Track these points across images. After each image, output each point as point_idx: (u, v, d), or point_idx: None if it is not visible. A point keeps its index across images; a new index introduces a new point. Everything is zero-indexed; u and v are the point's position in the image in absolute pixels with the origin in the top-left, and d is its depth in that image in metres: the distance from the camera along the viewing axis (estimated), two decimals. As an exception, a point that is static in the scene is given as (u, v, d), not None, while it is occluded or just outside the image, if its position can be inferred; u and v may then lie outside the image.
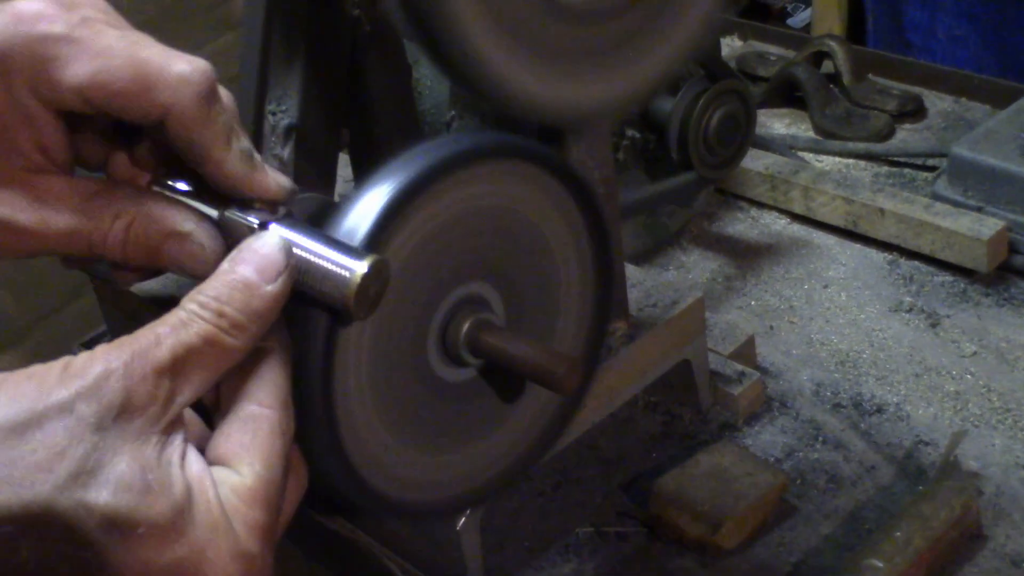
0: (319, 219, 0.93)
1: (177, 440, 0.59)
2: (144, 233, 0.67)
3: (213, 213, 0.70)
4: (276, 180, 0.70)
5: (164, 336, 0.59)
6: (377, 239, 0.73)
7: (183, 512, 0.57)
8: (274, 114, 1.04)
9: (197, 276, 0.66)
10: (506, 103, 0.81)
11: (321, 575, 1.20)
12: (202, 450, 0.62)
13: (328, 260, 0.65)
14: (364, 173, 1.11)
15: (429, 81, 1.17)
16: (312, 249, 0.67)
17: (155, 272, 0.74)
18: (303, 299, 0.67)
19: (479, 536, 1.01)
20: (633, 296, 1.13)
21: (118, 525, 0.55)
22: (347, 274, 0.64)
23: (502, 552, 1.09)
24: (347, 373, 0.75)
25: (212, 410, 0.65)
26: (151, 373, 0.57)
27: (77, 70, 0.65)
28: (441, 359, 0.81)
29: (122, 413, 0.56)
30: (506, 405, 0.87)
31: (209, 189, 0.71)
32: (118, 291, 1.17)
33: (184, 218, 0.68)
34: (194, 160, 0.68)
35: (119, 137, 0.72)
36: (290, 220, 0.70)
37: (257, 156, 0.70)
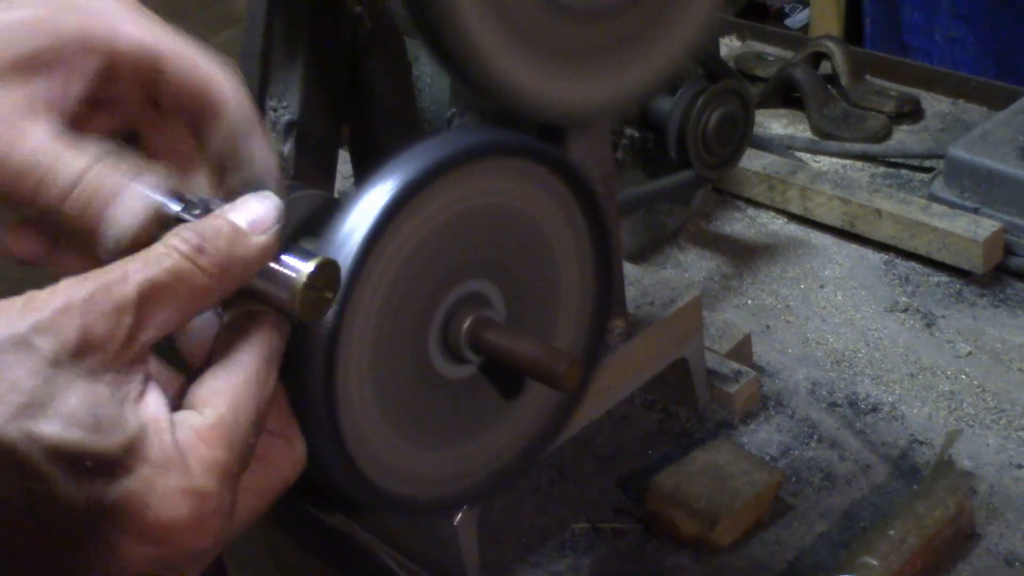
0: (319, 216, 0.94)
1: (136, 378, 0.58)
2: (96, 186, 0.63)
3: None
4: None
5: (133, 272, 0.57)
6: (379, 237, 0.73)
7: (133, 448, 0.56)
8: (275, 110, 1.04)
9: (115, 239, 0.63)
10: (507, 101, 0.81)
11: (316, 568, 1.21)
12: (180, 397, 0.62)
13: (278, 263, 0.63)
14: (364, 170, 1.12)
15: (429, 78, 1.18)
16: None
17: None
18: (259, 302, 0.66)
19: (476, 531, 1.01)
20: (631, 294, 1.13)
21: (65, 457, 0.54)
22: (293, 275, 0.63)
23: (499, 547, 1.09)
24: (348, 368, 0.76)
25: (197, 369, 0.64)
26: (111, 309, 0.56)
27: (149, 32, 0.66)
28: (442, 356, 0.82)
29: (79, 349, 0.55)
30: (506, 402, 0.88)
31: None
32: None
33: (136, 187, 0.64)
34: (235, 159, 0.69)
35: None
36: None
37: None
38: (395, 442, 0.81)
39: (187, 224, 0.60)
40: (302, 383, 0.73)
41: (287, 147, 1.04)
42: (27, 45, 0.64)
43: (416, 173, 0.75)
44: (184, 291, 0.59)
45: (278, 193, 0.67)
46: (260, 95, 0.98)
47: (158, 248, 0.59)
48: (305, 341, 0.71)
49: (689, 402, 1.22)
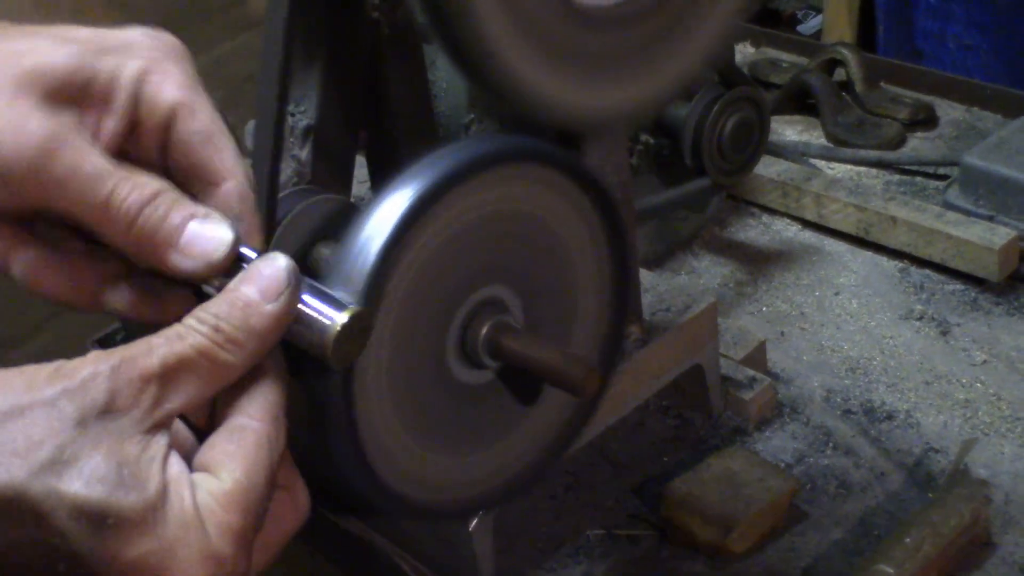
0: (337, 220, 0.94)
1: (162, 441, 0.60)
2: (168, 207, 0.66)
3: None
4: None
5: (157, 345, 0.60)
6: (398, 243, 0.73)
7: (155, 508, 0.58)
8: (293, 115, 1.04)
9: (200, 269, 0.66)
10: (527, 107, 0.81)
11: (328, 572, 1.21)
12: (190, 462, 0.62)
13: (310, 308, 0.65)
14: (380, 175, 1.12)
15: (445, 83, 1.18)
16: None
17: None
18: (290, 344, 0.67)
19: (491, 537, 1.01)
20: (646, 300, 1.13)
21: (88, 515, 0.56)
22: (327, 322, 0.64)
23: (513, 553, 1.10)
24: (367, 373, 0.76)
25: (207, 430, 0.65)
26: (137, 378, 0.58)
27: (182, 91, 0.68)
28: (460, 361, 0.82)
29: (105, 412, 0.57)
30: (523, 408, 0.88)
31: None
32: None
33: (214, 211, 0.68)
34: None
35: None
36: None
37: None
38: (412, 447, 0.82)
39: (204, 305, 0.62)
40: (321, 387, 0.73)
41: (305, 152, 1.04)
42: (76, 72, 0.66)
43: (435, 179, 0.76)
44: (207, 365, 0.61)
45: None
46: (280, 100, 0.98)
47: (179, 328, 0.61)
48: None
49: (704, 408, 1.22)
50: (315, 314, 0.64)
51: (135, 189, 0.65)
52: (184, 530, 0.58)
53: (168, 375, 0.60)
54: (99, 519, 0.56)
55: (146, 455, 0.58)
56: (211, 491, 0.60)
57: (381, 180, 1.12)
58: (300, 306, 0.64)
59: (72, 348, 1.49)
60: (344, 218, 0.97)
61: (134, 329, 1.28)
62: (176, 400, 0.60)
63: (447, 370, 0.82)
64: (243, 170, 0.69)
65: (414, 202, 0.74)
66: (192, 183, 0.69)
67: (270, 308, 0.62)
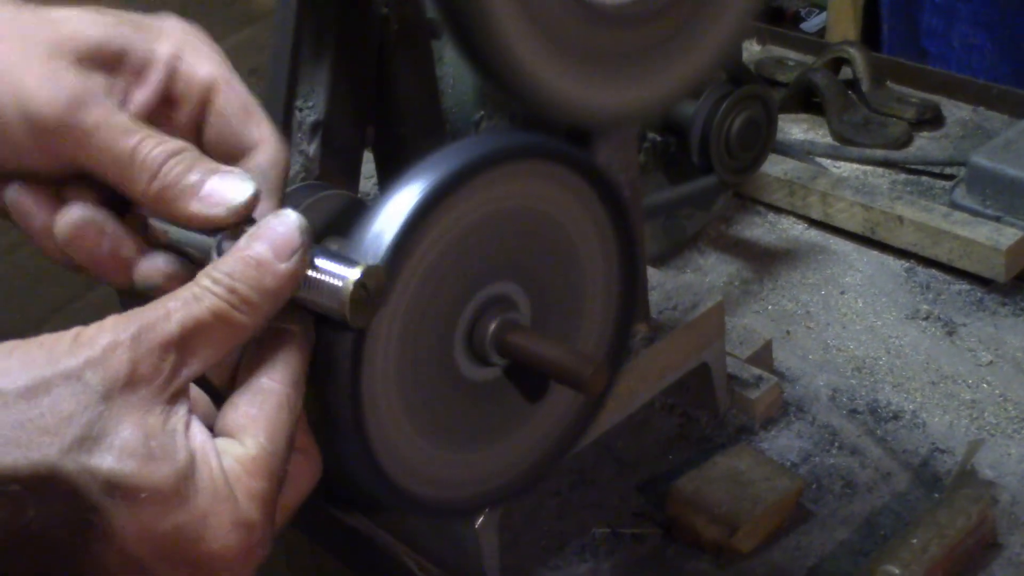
0: (346, 216, 0.94)
1: (182, 410, 0.60)
2: (191, 161, 0.66)
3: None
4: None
5: (174, 310, 0.59)
6: (407, 240, 0.73)
7: (186, 479, 0.58)
8: (301, 110, 1.04)
9: (221, 217, 0.66)
10: (538, 104, 0.81)
11: (331, 568, 1.20)
12: (209, 427, 0.62)
13: (322, 271, 0.65)
14: (388, 171, 1.12)
15: (452, 79, 1.18)
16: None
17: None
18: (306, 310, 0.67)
19: (497, 535, 1.01)
20: (653, 299, 1.13)
21: (121, 489, 0.56)
22: (340, 283, 0.64)
23: (519, 551, 1.09)
24: (375, 369, 0.76)
25: (226, 391, 0.66)
26: (158, 346, 0.58)
27: (216, 68, 0.69)
28: (467, 358, 0.82)
29: (128, 383, 0.57)
30: (530, 405, 0.88)
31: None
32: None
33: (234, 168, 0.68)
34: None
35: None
36: None
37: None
38: (419, 443, 0.81)
39: (216, 263, 0.62)
40: (329, 383, 0.73)
41: (312, 147, 1.04)
42: (109, 42, 0.66)
43: (445, 176, 0.75)
44: (222, 328, 0.61)
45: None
46: (288, 95, 0.98)
47: (194, 288, 0.61)
48: (332, 340, 0.71)
49: (710, 407, 1.21)
50: (328, 277, 0.64)
51: (160, 144, 0.65)
52: (215, 499, 0.58)
53: (186, 340, 0.59)
54: (132, 493, 0.56)
55: (170, 424, 0.58)
56: (237, 457, 0.60)
57: (388, 176, 1.12)
58: (313, 272, 0.64)
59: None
60: (352, 213, 0.96)
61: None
62: (194, 365, 0.60)
63: (454, 367, 0.82)
64: (279, 140, 0.70)
65: (424, 198, 0.74)
66: (229, 156, 0.69)
67: (284, 267, 0.62)
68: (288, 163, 0.71)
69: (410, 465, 0.81)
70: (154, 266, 0.68)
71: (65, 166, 0.66)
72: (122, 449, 0.56)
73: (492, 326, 0.81)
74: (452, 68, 1.16)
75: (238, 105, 0.69)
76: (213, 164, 0.66)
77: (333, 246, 0.92)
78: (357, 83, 1.04)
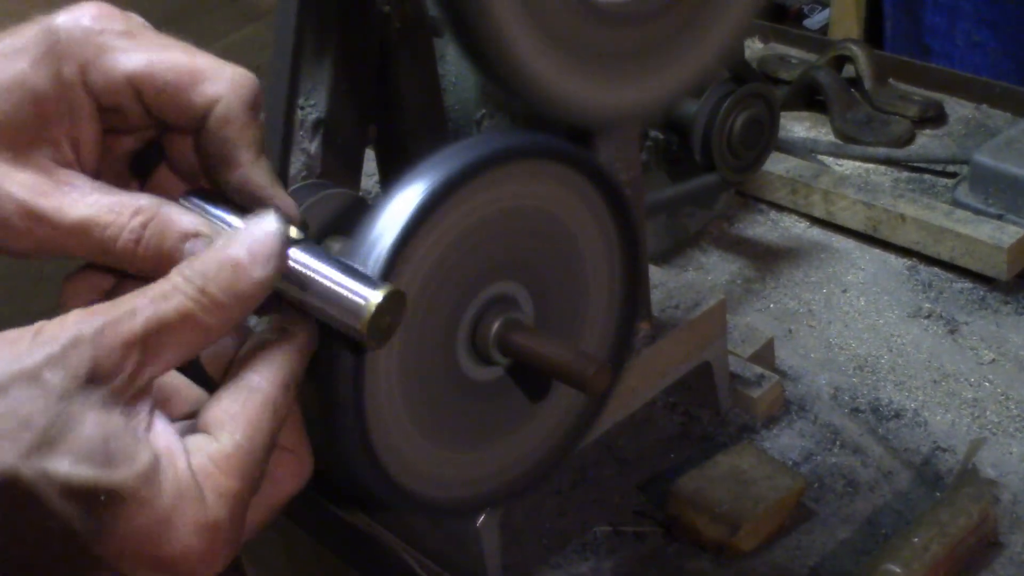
0: (348, 215, 0.94)
1: (144, 410, 0.58)
2: (161, 232, 0.65)
3: (235, 223, 0.68)
4: (290, 200, 0.70)
5: (140, 308, 0.58)
6: (409, 240, 0.73)
7: (148, 480, 0.57)
8: (303, 108, 1.04)
9: None
10: (540, 103, 0.81)
11: (332, 565, 1.21)
12: (191, 415, 0.62)
13: (343, 287, 0.64)
14: (390, 169, 1.12)
15: (454, 77, 1.18)
16: (328, 275, 0.65)
17: None
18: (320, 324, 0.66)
19: (498, 533, 1.01)
20: (655, 297, 1.13)
21: (79, 494, 0.55)
22: (361, 302, 0.63)
23: (520, 549, 1.09)
24: (377, 369, 0.76)
25: (220, 384, 0.64)
26: (120, 344, 0.57)
27: (132, 58, 0.65)
28: (470, 357, 0.82)
29: (88, 382, 0.56)
30: (532, 404, 0.88)
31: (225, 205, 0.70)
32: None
33: (203, 223, 0.66)
34: (223, 162, 0.67)
35: (137, 165, 0.72)
36: (308, 244, 0.67)
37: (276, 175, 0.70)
38: (421, 443, 0.81)
39: (190, 261, 0.61)
40: (332, 381, 0.73)
41: (314, 145, 1.04)
42: (29, 111, 0.65)
43: (447, 175, 0.75)
44: (187, 330, 0.59)
45: (280, 206, 0.67)
46: (290, 93, 0.97)
47: (164, 285, 0.59)
48: (335, 340, 0.71)
49: (711, 406, 1.21)
50: (347, 293, 0.63)
51: (125, 226, 0.64)
52: (179, 499, 0.57)
53: (150, 339, 0.58)
54: (91, 497, 0.55)
55: (131, 424, 0.57)
56: (210, 454, 0.59)
57: (390, 174, 1.12)
58: (331, 285, 0.64)
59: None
60: (353, 212, 0.97)
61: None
62: (158, 364, 0.59)
63: (457, 366, 0.82)
64: (231, 79, 0.67)
65: (427, 197, 0.74)
66: (196, 120, 0.67)
67: (259, 274, 0.61)
68: (251, 89, 0.67)
69: (412, 464, 0.81)
70: None
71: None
72: (79, 452, 0.55)
73: (495, 325, 0.81)
74: (454, 66, 1.16)
75: (168, 80, 0.66)
76: (179, 226, 0.65)
77: (335, 245, 0.92)
78: (359, 81, 1.04)
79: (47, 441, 0.55)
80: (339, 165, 1.06)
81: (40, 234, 0.64)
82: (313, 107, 1.04)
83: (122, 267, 0.65)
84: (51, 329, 0.56)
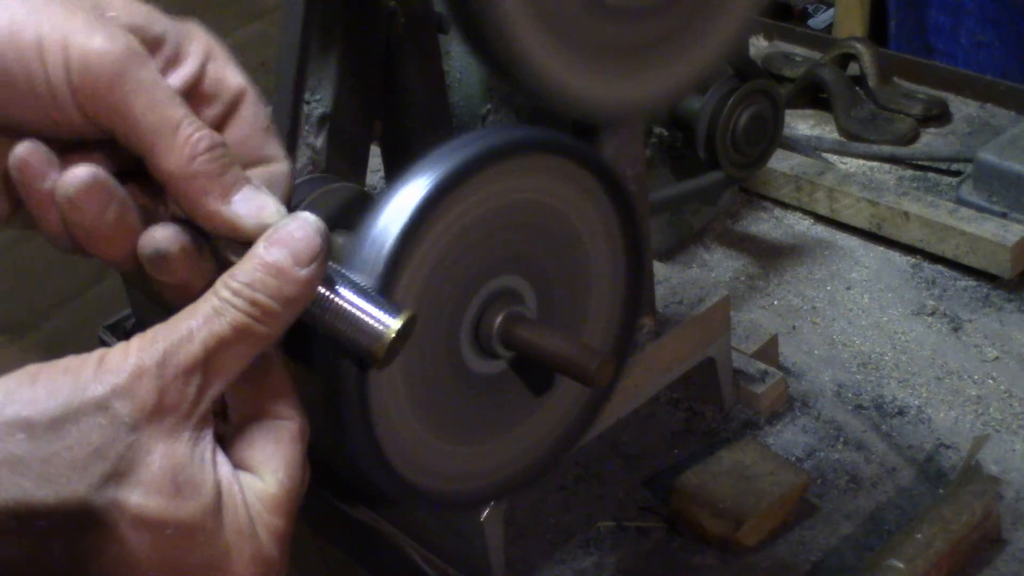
0: (353, 210, 0.94)
1: (208, 437, 0.60)
2: (229, 160, 0.63)
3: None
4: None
5: (196, 330, 0.59)
6: (413, 234, 0.73)
7: (212, 514, 0.58)
8: (308, 103, 1.04)
9: (243, 230, 0.63)
10: (545, 98, 0.81)
11: (336, 560, 1.21)
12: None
13: (363, 311, 0.64)
14: (395, 164, 1.12)
15: (459, 73, 1.18)
16: (346, 297, 0.64)
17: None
18: (327, 339, 0.66)
19: (502, 528, 1.02)
20: (659, 293, 1.13)
21: (148, 525, 0.56)
22: (381, 328, 0.63)
23: (524, 544, 1.10)
24: (381, 362, 0.76)
25: (216, 414, 0.65)
26: (183, 371, 0.58)
27: (241, 78, 0.68)
28: (473, 351, 0.82)
29: (155, 412, 0.57)
30: (535, 398, 0.88)
31: None
32: (146, 275, 1.17)
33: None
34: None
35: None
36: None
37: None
38: (425, 436, 0.82)
39: (233, 272, 0.60)
40: (336, 376, 0.73)
41: (320, 140, 1.04)
42: (151, 24, 0.64)
43: (452, 169, 0.75)
44: (243, 343, 0.60)
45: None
46: (296, 88, 0.98)
47: (213, 302, 0.60)
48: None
49: (715, 402, 1.22)
50: (367, 317, 0.63)
51: (203, 128, 0.62)
52: (239, 536, 0.59)
53: (210, 360, 0.59)
54: (159, 529, 0.56)
55: (196, 454, 0.58)
56: (258, 494, 0.61)
57: (395, 169, 1.12)
58: (348, 305, 0.64)
59: (82, 333, 1.50)
60: (358, 207, 0.97)
61: (143, 314, 1.28)
62: (218, 385, 0.60)
63: (461, 360, 0.82)
64: (289, 162, 0.69)
65: (431, 191, 0.74)
66: (242, 166, 0.67)
67: (304, 273, 0.61)
68: (292, 185, 0.69)
69: (416, 458, 0.81)
70: (167, 234, 0.63)
71: (88, 126, 0.62)
72: (150, 484, 0.56)
73: (498, 319, 0.82)
74: (459, 62, 1.17)
75: (262, 119, 0.68)
76: (245, 174, 0.64)
77: (340, 239, 0.93)
78: (364, 77, 1.05)
79: (119, 472, 0.56)
80: (344, 160, 1.06)
81: (128, 89, 0.61)
82: (319, 102, 1.04)
83: (170, 160, 0.62)
84: (114, 358, 0.57)
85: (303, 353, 0.70)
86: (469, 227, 0.78)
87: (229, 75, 0.67)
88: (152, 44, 0.64)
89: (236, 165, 0.63)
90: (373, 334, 0.63)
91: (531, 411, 0.89)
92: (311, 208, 0.94)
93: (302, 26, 0.96)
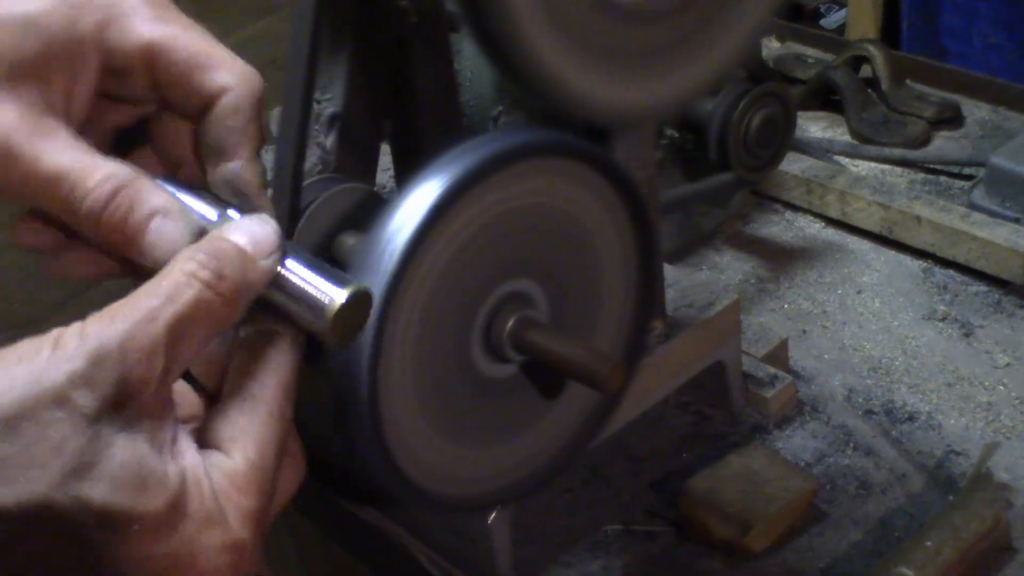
0: (363, 210, 0.94)
1: (169, 423, 0.57)
2: (130, 203, 0.62)
3: (209, 215, 0.66)
4: (271, 206, 0.69)
5: (158, 309, 0.56)
6: (426, 236, 0.73)
7: (177, 505, 0.56)
8: (319, 102, 1.04)
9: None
10: (557, 100, 0.81)
11: (342, 561, 1.20)
12: (197, 429, 0.61)
13: (309, 284, 0.61)
14: (405, 164, 1.12)
15: (470, 72, 1.17)
16: (296, 272, 0.62)
17: (129, 274, 0.70)
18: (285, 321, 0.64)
19: (509, 530, 1.01)
20: (669, 296, 1.13)
21: (113, 521, 0.54)
22: (326, 300, 0.60)
23: (531, 547, 1.09)
24: (392, 365, 0.76)
25: (213, 392, 0.63)
26: (146, 355, 0.55)
27: (154, 28, 0.65)
28: (484, 354, 0.82)
29: (117, 400, 0.54)
30: (546, 402, 0.88)
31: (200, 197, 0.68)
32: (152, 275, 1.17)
33: (175, 204, 0.64)
34: (219, 152, 0.66)
35: (119, 141, 0.71)
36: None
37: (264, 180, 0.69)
38: (434, 439, 0.81)
39: (198, 246, 0.59)
40: (346, 378, 0.73)
41: (330, 140, 1.04)
42: (33, 47, 0.63)
43: (463, 172, 0.75)
44: (207, 321, 0.58)
45: (262, 209, 0.66)
46: (307, 87, 0.97)
47: (177, 276, 0.57)
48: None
49: (724, 405, 1.21)
50: (313, 290, 0.61)
51: (94, 188, 0.61)
52: (206, 523, 0.57)
53: (173, 343, 0.56)
54: (125, 524, 0.54)
55: (156, 442, 0.56)
56: (226, 473, 0.58)
57: (405, 169, 1.12)
58: (298, 280, 0.61)
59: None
60: (368, 207, 0.96)
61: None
62: (180, 365, 0.57)
63: (471, 363, 0.82)
64: (241, 76, 0.66)
65: (443, 194, 0.74)
66: (199, 109, 0.66)
67: (264, 263, 0.60)
68: (259, 88, 0.66)
69: (425, 460, 0.81)
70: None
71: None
72: (113, 479, 0.54)
73: (509, 323, 0.81)
74: (470, 62, 1.16)
75: (184, 58, 0.65)
76: (152, 201, 0.62)
77: (350, 240, 0.92)
78: (375, 76, 1.04)
79: (81, 467, 0.53)
80: (354, 160, 1.06)
81: (12, 176, 0.62)
82: (329, 101, 1.04)
83: (82, 230, 0.63)
84: (70, 341, 0.54)
85: (313, 355, 0.70)
86: (481, 230, 0.78)
87: (130, 35, 0.65)
88: (40, 68, 0.63)
89: (140, 197, 0.62)
90: (318, 309, 0.60)
91: (541, 415, 0.88)
92: (321, 209, 0.94)
93: (312, 25, 0.95)
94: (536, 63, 0.77)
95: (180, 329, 0.56)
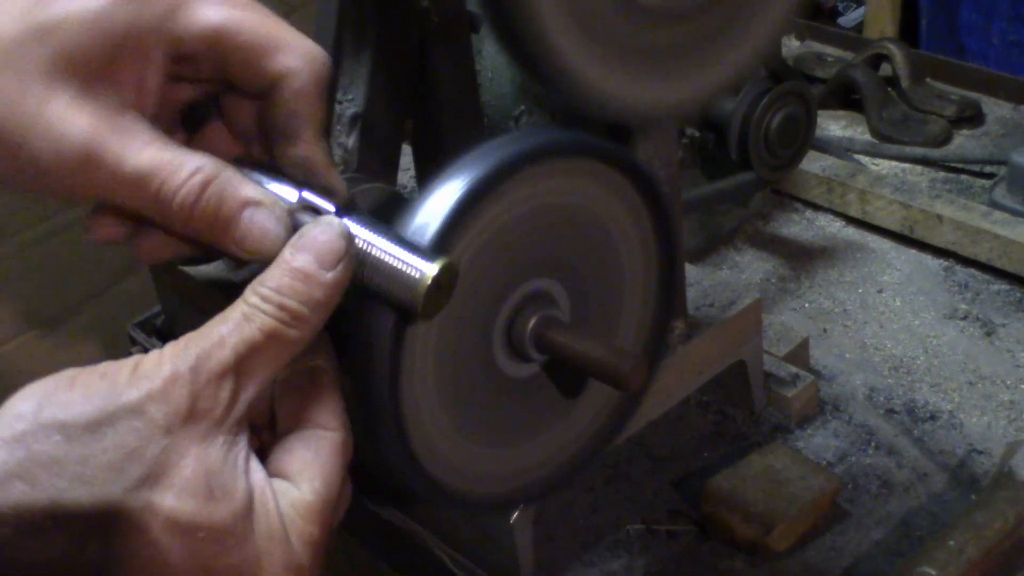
0: (385, 210, 0.94)
1: (242, 442, 0.60)
2: (220, 196, 0.64)
3: (289, 197, 0.68)
4: (343, 183, 0.70)
5: (227, 336, 0.59)
6: (448, 235, 0.73)
7: (243, 518, 0.58)
8: (340, 102, 1.04)
9: (257, 258, 0.64)
10: (580, 100, 0.81)
11: (362, 560, 1.21)
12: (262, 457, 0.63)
13: (398, 259, 0.65)
14: (426, 164, 1.12)
15: (490, 72, 1.18)
16: (382, 247, 0.66)
17: (200, 254, 0.74)
18: (368, 295, 0.67)
19: (532, 530, 1.01)
20: (690, 295, 1.13)
21: (181, 528, 0.57)
22: (417, 275, 0.64)
23: (553, 546, 1.09)
24: (413, 364, 0.76)
25: (263, 426, 0.66)
26: (215, 376, 0.59)
27: (218, 12, 0.65)
28: (506, 354, 0.82)
29: (189, 416, 0.58)
30: (567, 401, 0.88)
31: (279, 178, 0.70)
32: (175, 273, 1.17)
33: (264, 193, 0.66)
34: (286, 135, 0.67)
35: (189, 116, 0.72)
36: (361, 215, 0.69)
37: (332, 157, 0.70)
38: (456, 438, 0.82)
39: (262, 279, 0.62)
40: (368, 377, 0.73)
41: (351, 140, 1.04)
42: (101, 45, 0.63)
43: (487, 171, 0.75)
44: (274, 347, 0.61)
45: (334, 186, 0.68)
46: (329, 88, 0.98)
47: (242, 308, 0.61)
48: (372, 338, 0.71)
49: (746, 405, 1.21)
50: (402, 265, 0.64)
51: (184, 183, 0.63)
52: (270, 541, 0.59)
53: (242, 365, 0.60)
54: (191, 532, 0.57)
55: (229, 459, 0.59)
56: (293, 501, 0.61)
57: (426, 169, 1.12)
58: (386, 257, 0.64)
59: (111, 328, 1.51)
60: (390, 206, 0.97)
61: (173, 311, 1.28)
62: (251, 389, 0.60)
63: (493, 362, 0.82)
64: (306, 57, 0.67)
65: (466, 193, 0.74)
66: (265, 92, 0.67)
67: (330, 276, 0.62)
68: (324, 68, 0.68)
69: (447, 459, 0.81)
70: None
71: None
72: (183, 487, 0.57)
73: (531, 322, 0.81)
74: (491, 62, 1.16)
75: (249, 41, 0.66)
76: (243, 192, 0.64)
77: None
78: (397, 76, 1.04)
79: (153, 474, 0.56)
80: (376, 160, 1.06)
81: (96, 179, 0.63)
82: (351, 101, 1.04)
83: (172, 225, 0.65)
84: (148, 364, 0.58)
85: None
86: (503, 230, 0.78)
87: (198, 19, 0.66)
88: (112, 62, 0.64)
89: (229, 189, 0.64)
90: (409, 282, 0.64)
91: (562, 414, 0.88)
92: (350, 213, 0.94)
93: (335, 26, 0.96)
94: (559, 62, 0.77)
95: (248, 355, 0.60)
